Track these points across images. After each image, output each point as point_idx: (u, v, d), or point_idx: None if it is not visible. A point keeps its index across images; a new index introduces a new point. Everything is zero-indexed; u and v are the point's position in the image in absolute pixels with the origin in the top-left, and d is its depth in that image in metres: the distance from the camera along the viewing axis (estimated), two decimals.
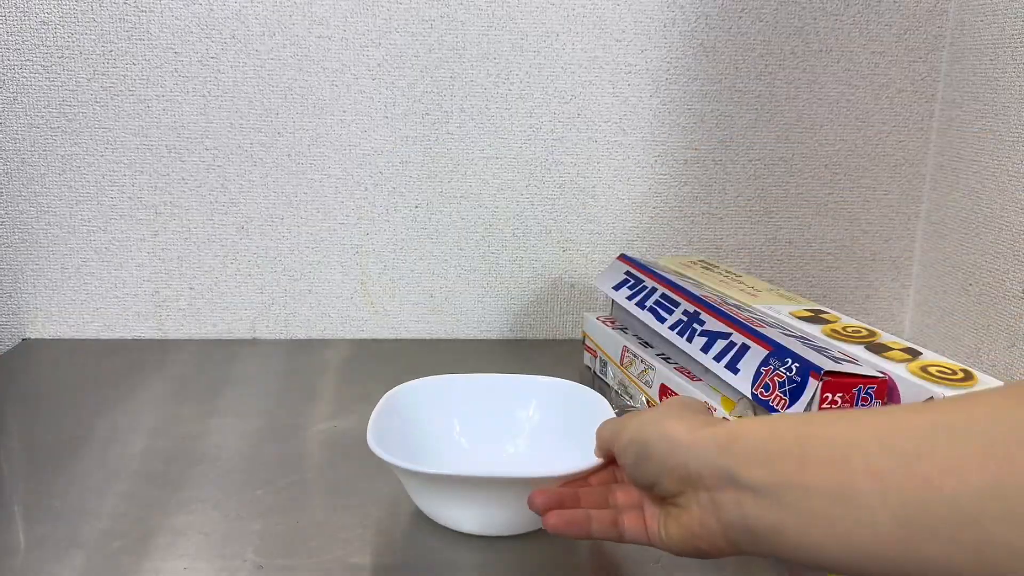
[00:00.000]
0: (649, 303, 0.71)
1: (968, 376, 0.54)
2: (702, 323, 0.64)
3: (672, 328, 0.67)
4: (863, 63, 0.88)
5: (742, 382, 0.57)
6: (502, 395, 0.63)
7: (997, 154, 0.79)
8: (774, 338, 0.58)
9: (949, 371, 0.55)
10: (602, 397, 0.59)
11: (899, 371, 0.55)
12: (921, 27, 0.87)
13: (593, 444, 0.54)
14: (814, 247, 0.92)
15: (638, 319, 0.72)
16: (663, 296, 0.70)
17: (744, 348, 0.59)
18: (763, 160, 0.90)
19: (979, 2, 0.82)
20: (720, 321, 0.63)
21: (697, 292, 0.68)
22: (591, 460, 0.50)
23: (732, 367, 0.59)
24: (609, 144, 0.88)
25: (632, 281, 0.75)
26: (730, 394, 0.61)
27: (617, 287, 0.76)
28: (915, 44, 0.88)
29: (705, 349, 0.62)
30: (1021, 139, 0.76)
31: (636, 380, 0.72)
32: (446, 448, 0.60)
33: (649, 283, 0.73)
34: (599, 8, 0.84)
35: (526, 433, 0.62)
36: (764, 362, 0.57)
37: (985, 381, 0.53)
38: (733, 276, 0.77)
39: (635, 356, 0.72)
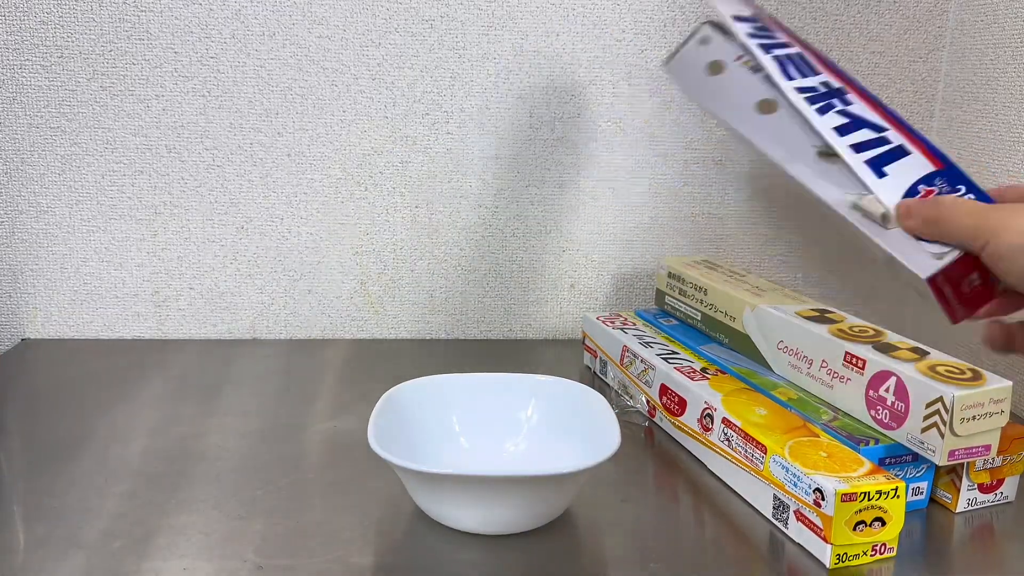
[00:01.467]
0: (777, 52, 0.55)
1: (977, 376, 0.54)
2: (847, 103, 0.52)
3: (801, 91, 0.53)
4: (863, 63, 0.88)
5: (888, 189, 0.47)
6: (501, 394, 0.63)
7: (997, 154, 0.79)
8: (948, 156, 0.48)
9: (957, 371, 0.55)
10: (601, 396, 0.59)
11: (908, 370, 0.55)
12: (921, 27, 0.87)
13: (592, 442, 0.54)
14: (815, 247, 0.92)
15: (748, 71, 0.56)
16: (800, 56, 0.55)
17: (902, 152, 0.48)
18: (763, 160, 0.89)
19: (979, 2, 0.82)
20: (874, 110, 0.51)
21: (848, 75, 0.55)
22: (592, 458, 0.50)
23: (876, 167, 0.47)
24: (609, 144, 0.88)
25: (760, 23, 0.58)
26: (836, 194, 0.47)
27: (740, 19, 0.57)
28: (915, 44, 0.88)
29: (842, 132, 0.50)
30: (1021, 139, 0.76)
31: (636, 380, 0.72)
32: (446, 447, 0.60)
33: (783, 37, 0.57)
34: (599, 8, 0.84)
35: (526, 432, 0.62)
36: (927, 180, 0.47)
37: (992, 380, 0.53)
38: (738, 276, 0.77)
39: (635, 356, 0.72)
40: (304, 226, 0.87)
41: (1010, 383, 0.53)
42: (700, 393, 0.63)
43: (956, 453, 0.53)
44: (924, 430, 0.53)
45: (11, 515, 0.54)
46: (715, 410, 0.60)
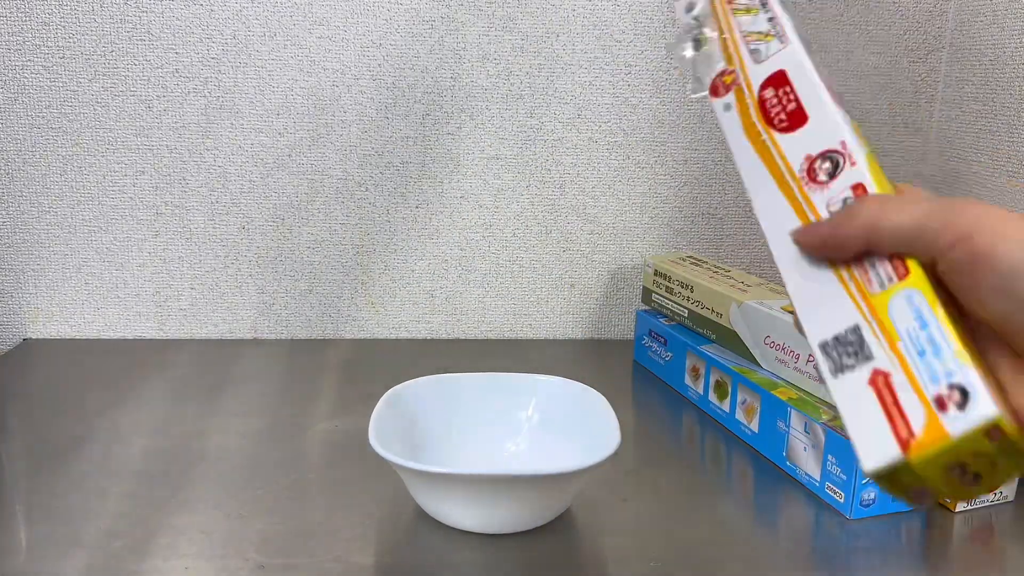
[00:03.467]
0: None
1: None
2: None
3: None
4: (863, 63, 0.88)
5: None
6: (502, 394, 0.63)
7: (996, 155, 0.80)
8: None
9: None
10: (601, 396, 0.59)
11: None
12: (921, 28, 0.87)
13: (593, 442, 0.55)
14: None
15: None
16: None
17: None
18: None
19: (978, 3, 0.82)
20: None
21: None
22: (593, 457, 0.50)
23: None
24: (609, 144, 0.88)
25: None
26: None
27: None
28: (915, 45, 0.88)
29: None
30: (1021, 139, 0.76)
31: (740, 40, 0.42)
32: (447, 446, 0.60)
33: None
34: (599, 9, 0.84)
35: (526, 432, 0.62)
36: None
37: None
38: (723, 271, 0.77)
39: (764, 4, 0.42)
40: (305, 226, 0.87)
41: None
42: (838, 125, 0.37)
43: None
44: None
45: (13, 514, 0.54)
46: (852, 161, 0.36)
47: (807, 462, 0.60)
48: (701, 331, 0.75)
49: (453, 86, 0.85)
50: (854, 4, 0.86)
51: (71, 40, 0.81)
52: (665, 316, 0.81)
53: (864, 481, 0.56)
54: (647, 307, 0.84)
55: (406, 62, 0.84)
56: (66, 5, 0.80)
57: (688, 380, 0.75)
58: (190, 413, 0.70)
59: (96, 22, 0.80)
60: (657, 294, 0.82)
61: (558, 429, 0.61)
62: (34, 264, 0.86)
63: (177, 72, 0.82)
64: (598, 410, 0.58)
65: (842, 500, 0.57)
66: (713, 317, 0.73)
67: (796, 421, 0.61)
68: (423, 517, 0.55)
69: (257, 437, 0.66)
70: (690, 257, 0.83)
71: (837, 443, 0.57)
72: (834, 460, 0.57)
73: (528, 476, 0.49)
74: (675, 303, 0.78)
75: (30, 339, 0.88)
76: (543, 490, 0.51)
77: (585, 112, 0.87)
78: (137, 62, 0.82)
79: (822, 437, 0.58)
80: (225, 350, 0.86)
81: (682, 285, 0.77)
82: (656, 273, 0.81)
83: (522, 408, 0.63)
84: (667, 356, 0.79)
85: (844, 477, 0.57)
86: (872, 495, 0.56)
